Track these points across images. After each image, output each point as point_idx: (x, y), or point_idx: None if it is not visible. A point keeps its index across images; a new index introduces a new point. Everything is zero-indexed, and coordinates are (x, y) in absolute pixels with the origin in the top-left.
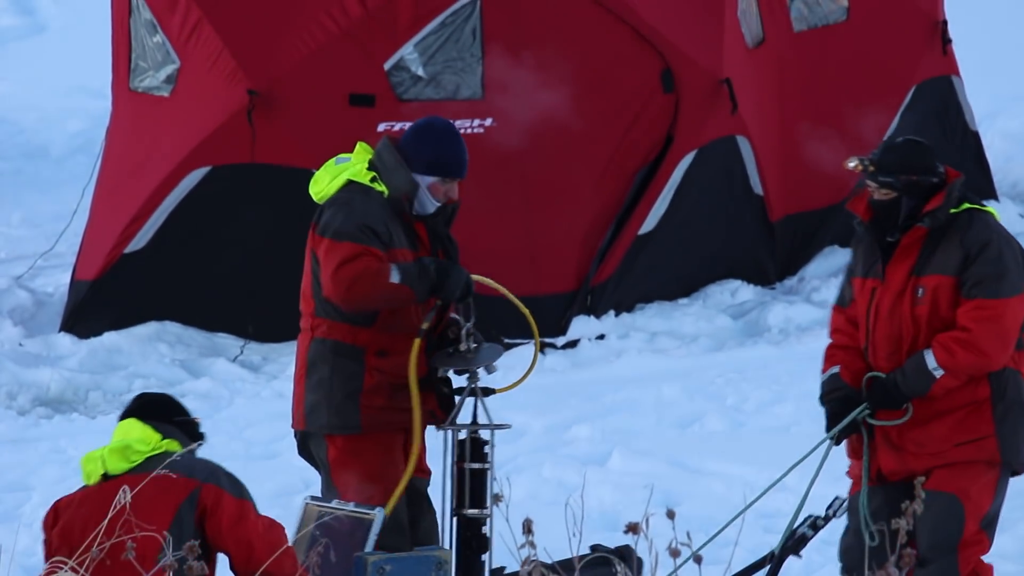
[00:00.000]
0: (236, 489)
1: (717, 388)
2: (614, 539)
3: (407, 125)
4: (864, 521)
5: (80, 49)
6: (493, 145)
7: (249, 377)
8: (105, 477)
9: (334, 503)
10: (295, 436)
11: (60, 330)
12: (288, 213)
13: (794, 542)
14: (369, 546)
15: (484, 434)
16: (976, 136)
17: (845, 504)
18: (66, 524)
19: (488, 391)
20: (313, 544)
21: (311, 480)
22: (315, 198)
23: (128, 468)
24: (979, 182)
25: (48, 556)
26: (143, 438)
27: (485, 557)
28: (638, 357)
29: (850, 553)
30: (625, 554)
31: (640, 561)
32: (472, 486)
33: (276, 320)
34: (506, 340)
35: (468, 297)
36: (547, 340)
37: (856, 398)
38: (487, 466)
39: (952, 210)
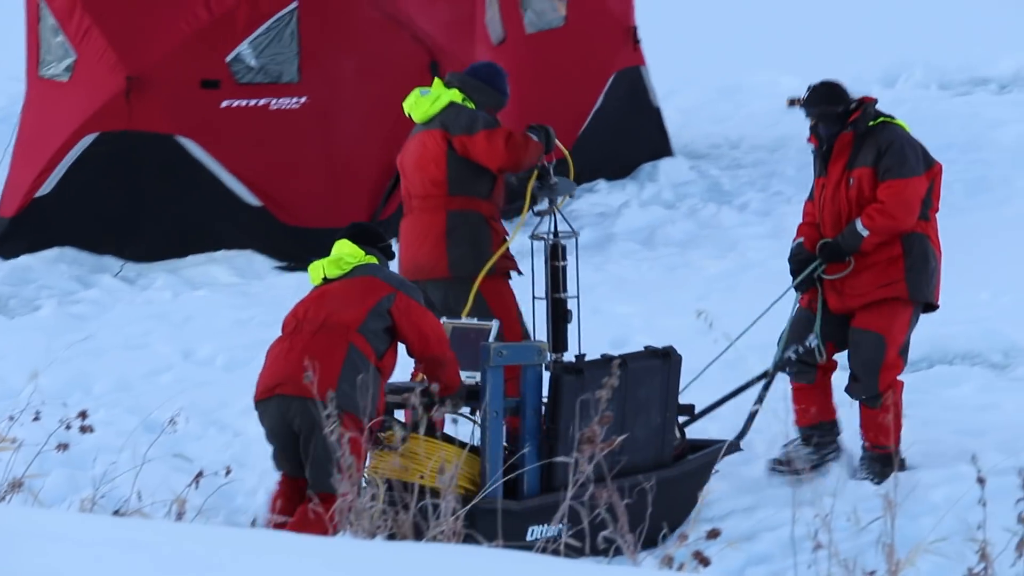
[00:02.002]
0: (417, 297)
1: None
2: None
3: (243, 103)
4: (818, 348)
5: (2, 45)
6: (306, 115)
7: (126, 288)
8: (325, 280)
9: (463, 320)
10: (423, 287)
11: None
12: (155, 166)
13: (784, 362)
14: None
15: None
16: (658, 111)
17: (814, 339)
18: (294, 310)
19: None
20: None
21: (174, 363)
22: (419, 117)
23: (340, 274)
24: (659, 143)
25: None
26: (352, 253)
27: (570, 327)
28: None
29: (795, 327)
30: (669, 351)
31: (679, 358)
32: (560, 277)
33: (146, 247)
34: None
35: (553, 143)
36: None
37: (812, 259)
38: (565, 263)
39: (871, 123)
